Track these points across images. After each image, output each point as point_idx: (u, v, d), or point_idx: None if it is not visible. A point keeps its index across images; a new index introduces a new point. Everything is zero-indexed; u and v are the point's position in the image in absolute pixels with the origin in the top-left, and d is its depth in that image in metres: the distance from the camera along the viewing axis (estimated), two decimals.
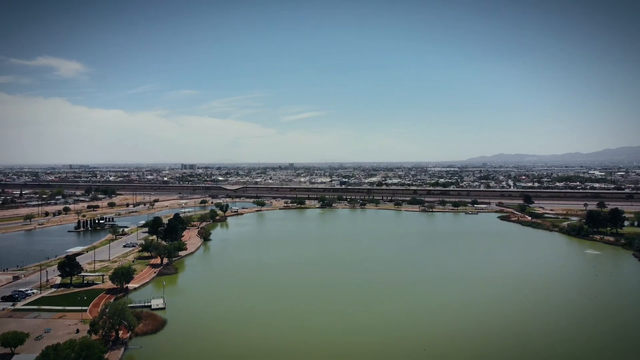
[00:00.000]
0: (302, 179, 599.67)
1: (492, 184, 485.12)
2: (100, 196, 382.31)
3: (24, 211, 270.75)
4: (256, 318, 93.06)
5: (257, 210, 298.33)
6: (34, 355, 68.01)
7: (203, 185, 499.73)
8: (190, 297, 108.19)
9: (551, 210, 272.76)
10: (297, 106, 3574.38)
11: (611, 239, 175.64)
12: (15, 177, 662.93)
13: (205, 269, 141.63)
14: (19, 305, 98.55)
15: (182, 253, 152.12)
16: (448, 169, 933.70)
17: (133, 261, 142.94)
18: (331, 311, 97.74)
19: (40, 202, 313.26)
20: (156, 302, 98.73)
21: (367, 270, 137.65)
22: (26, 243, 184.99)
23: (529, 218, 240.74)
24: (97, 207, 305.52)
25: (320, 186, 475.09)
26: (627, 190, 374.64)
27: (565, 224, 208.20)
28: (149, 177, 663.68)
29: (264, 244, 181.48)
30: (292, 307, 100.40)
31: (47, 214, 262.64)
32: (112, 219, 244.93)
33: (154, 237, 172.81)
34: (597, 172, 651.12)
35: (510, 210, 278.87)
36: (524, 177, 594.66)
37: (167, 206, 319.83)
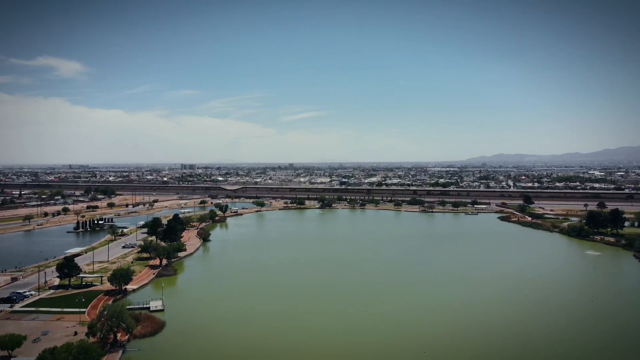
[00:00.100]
0: (302, 179, 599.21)
1: (492, 184, 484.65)
2: (99, 196, 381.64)
3: (23, 211, 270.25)
4: (256, 319, 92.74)
5: (257, 211, 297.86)
6: (32, 359, 67.52)
7: (203, 185, 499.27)
8: (189, 299, 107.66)
9: (551, 210, 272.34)
10: (297, 106, 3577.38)
11: (612, 239, 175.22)
12: (14, 177, 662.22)
13: (205, 270, 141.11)
14: (17, 307, 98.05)
15: (181, 254, 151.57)
16: (448, 169, 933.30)
17: (132, 262, 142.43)
18: (331, 311, 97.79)
19: (39, 203, 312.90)
20: (155, 304, 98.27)
21: (367, 270, 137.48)
22: (25, 244, 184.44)
23: (529, 218, 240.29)
24: (97, 207, 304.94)
25: (320, 186, 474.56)
26: (627, 191, 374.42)
27: (565, 224, 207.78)
28: (149, 177, 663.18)
29: (264, 245, 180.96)
30: (292, 308, 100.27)
31: (46, 214, 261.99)
32: (112, 219, 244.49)
33: (153, 238, 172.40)
34: (596, 172, 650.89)
35: (511, 210, 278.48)
36: (523, 177, 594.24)
37: (166, 206, 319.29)
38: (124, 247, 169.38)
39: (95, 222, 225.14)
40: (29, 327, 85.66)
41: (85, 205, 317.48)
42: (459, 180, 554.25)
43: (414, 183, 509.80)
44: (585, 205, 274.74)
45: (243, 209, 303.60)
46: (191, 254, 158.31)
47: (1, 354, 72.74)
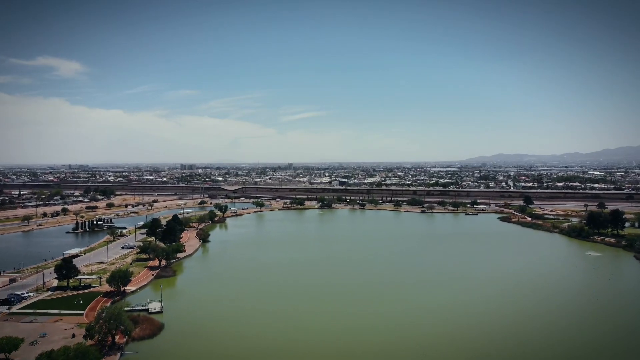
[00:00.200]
0: (302, 179, 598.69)
1: (491, 184, 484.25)
2: (99, 197, 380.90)
3: (22, 212, 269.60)
4: (255, 319, 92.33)
5: (256, 211, 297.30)
6: None
7: (202, 185, 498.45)
8: (188, 300, 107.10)
9: (551, 211, 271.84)
10: (296, 106, 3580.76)
11: (612, 240, 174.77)
12: (14, 177, 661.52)
13: (204, 271, 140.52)
14: (14, 309, 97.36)
15: (180, 255, 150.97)
16: (447, 169, 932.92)
17: (131, 263, 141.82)
18: (331, 311, 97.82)
19: (38, 203, 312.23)
20: (153, 306, 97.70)
21: (367, 270, 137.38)
22: (24, 244, 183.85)
23: (529, 219, 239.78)
24: (96, 207, 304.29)
25: (319, 186, 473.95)
26: (626, 191, 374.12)
27: (565, 225, 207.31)
28: (148, 177, 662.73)
29: (263, 246, 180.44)
30: (292, 308, 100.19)
31: (45, 214, 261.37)
32: (111, 220, 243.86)
33: (153, 238, 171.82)
34: (596, 172, 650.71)
35: (511, 211, 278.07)
36: (523, 177, 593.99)
37: (166, 207, 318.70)
38: (123, 247, 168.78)
39: (95, 222, 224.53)
40: (27, 329, 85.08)
41: (84, 205, 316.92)
42: (458, 180, 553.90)
43: (413, 183, 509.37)
44: (586, 205, 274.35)
45: (243, 209, 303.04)
46: (190, 254, 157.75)
47: None
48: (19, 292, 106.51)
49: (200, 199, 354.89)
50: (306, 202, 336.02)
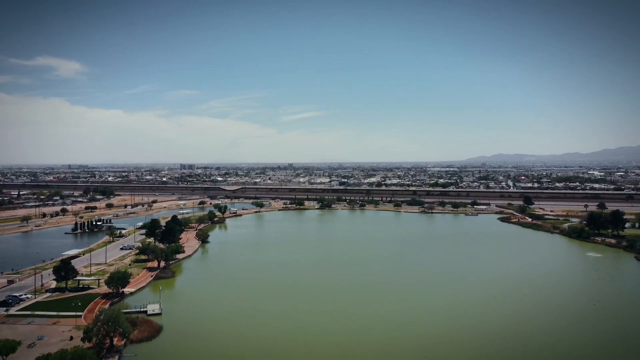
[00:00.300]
0: (302, 180, 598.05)
1: (491, 184, 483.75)
2: (98, 197, 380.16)
3: (21, 212, 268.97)
4: (255, 320, 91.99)
5: (256, 212, 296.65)
6: None
7: (202, 185, 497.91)
8: (187, 302, 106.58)
9: (551, 211, 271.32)
10: (296, 106, 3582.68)
11: (612, 241, 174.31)
12: (13, 177, 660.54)
13: (203, 272, 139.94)
14: (12, 310, 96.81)
15: (179, 256, 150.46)
16: (447, 169, 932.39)
17: (130, 264, 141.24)
18: (331, 311, 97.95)
19: (37, 203, 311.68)
20: (152, 308, 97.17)
21: (367, 271, 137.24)
22: (22, 245, 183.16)
23: (530, 219, 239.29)
24: (95, 208, 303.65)
25: (319, 187, 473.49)
26: (626, 191, 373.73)
27: (566, 225, 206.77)
28: (148, 177, 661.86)
29: (263, 246, 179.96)
30: (293, 308, 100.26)
31: (44, 215, 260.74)
32: (110, 220, 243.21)
33: (152, 239, 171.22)
34: (596, 173, 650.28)
35: (511, 211, 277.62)
36: (523, 177, 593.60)
37: (165, 207, 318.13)
38: (122, 248, 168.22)
39: (94, 223, 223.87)
40: (25, 331, 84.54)
41: (83, 206, 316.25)
42: (458, 180, 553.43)
43: (413, 183, 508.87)
44: (586, 206, 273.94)
45: (243, 209, 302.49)
46: (190, 255, 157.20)
47: None
48: (17, 294, 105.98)
49: (200, 199, 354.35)
50: (306, 203, 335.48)
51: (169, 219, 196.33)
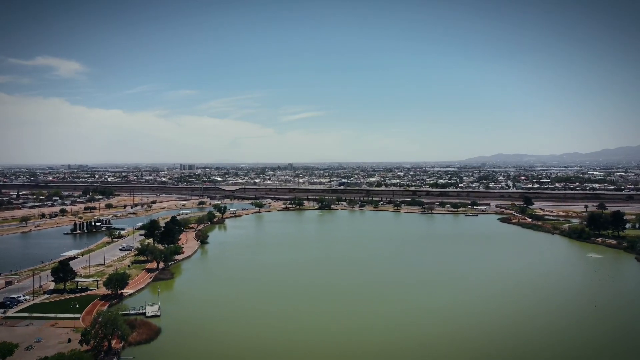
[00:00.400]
0: (301, 180, 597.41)
1: (491, 184, 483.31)
2: (97, 197, 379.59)
3: (20, 213, 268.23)
4: (254, 322, 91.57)
5: (256, 212, 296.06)
6: None
7: (201, 186, 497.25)
8: (186, 304, 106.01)
9: (551, 212, 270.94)
10: (296, 106, 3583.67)
11: (613, 241, 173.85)
12: (13, 177, 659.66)
13: (202, 274, 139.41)
14: (10, 312, 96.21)
15: (178, 257, 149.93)
16: (447, 169, 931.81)
17: (129, 265, 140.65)
18: (331, 311, 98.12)
19: (37, 204, 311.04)
20: (151, 309, 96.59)
21: (367, 271, 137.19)
22: (21, 246, 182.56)
23: (530, 220, 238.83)
24: (94, 208, 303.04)
25: (319, 187, 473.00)
26: (627, 191, 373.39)
27: (566, 226, 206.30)
28: (148, 177, 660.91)
29: (263, 247, 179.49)
30: (293, 309, 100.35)
31: (43, 215, 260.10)
32: (109, 221, 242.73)
33: (151, 240, 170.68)
34: (596, 173, 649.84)
35: (511, 212, 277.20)
36: (523, 177, 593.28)
37: (164, 207, 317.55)
38: (121, 249, 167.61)
39: (93, 223, 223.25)
40: (22, 333, 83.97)
41: (83, 206, 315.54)
42: (458, 180, 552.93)
43: (413, 183, 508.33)
44: (586, 206, 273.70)
45: (242, 210, 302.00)
46: (189, 256, 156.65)
47: None
48: (15, 295, 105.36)
49: (200, 200, 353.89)
50: (305, 203, 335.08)
51: (168, 219, 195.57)
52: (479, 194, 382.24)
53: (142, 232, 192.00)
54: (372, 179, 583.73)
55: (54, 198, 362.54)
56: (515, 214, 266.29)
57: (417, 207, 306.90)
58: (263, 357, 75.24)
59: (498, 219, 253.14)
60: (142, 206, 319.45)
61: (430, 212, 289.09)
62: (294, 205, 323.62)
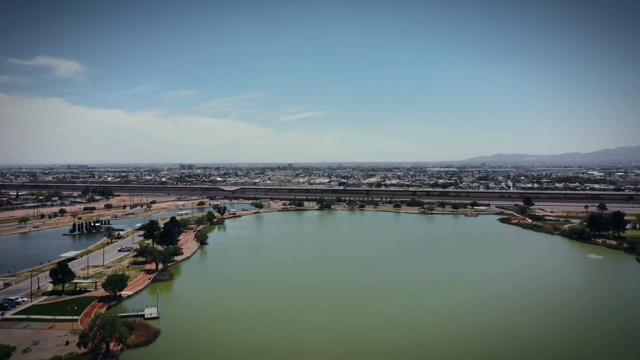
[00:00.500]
0: (301, 180, 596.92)
1: (491, 184, 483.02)
2: (97, 197, 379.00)
3: (19, 213, 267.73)
4: (254, 324, 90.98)
5: (255, 212, 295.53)
6: None
7: (201, 186, 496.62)
8: (185, 305, 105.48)
9: (551, 212, 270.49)
10: (296, 106, 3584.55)
11: (613, 242, 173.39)
12: (12, 177, 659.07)
13: (201, 275, 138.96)
14: (8, 314, 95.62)
15: (178, 258, 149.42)
16: (447, 169, 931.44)
17: (128, 266, 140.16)
18: (331, 312, 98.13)
19: (36, 204, 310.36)
20: (150, 311, 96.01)
21: (367, 271, 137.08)
22: (20, 247, 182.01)
23: (530, 220, 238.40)
24: (94, 209, 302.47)
25: (319, 187, 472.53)
26: (627, 192, 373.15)
27: (566, 226, 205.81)
28: (147, 177, 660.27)
29: (262, 247, 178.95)
30: (293, 309, 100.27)
31: (42, 216, 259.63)
32: (108, 221, 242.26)
33: (150, 241, 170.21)
34: (596, 173, 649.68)
35: (511, 212, 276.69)
36: (523, 177, 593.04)
37: (164, 208, 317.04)
38: (120, 250, 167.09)
39: (92, 224, 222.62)
40: (20, 336, 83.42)
41: (82, 206, 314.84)
42: (458, 180, 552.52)
43: (413, 184, 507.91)
44: (586, 206, 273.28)
45: (242, 210, 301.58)
46: (188, 257, 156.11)
47: None
48: (13, 297, 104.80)
49: (199, 200, 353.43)
50: (305, 203, 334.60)
51: (168, 220, 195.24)
52: (478, 194, 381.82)
53: (142, 232, 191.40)
54: (372, 179, 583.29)
55: (53, 198, 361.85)
56: (515, 214, 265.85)
57: (417, 208, 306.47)
58: (263, 358, 75.00)
59: (498, 220, 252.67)
60: (142, 206, 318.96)
61: (430, 212, 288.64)
62: (293, 206, 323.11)
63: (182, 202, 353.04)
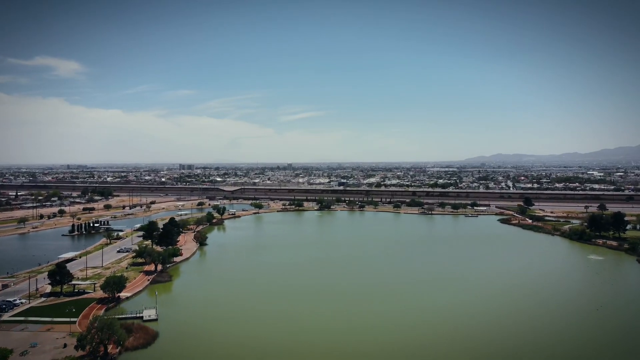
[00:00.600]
0: (301, 180, 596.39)
1: (491, 184, 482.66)
2: (96, 198, 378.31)
3: (19, 213, 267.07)
4: (253, 326, 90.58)
5: (255, 213, 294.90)
6: None
7: (201, 186, 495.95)
8: (184, 307, 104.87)
9: (551, 212, 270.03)
10: (295, 106, 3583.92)
11: (614, 243, 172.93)
12: (12, 177, 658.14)
13: (200, 276, 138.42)
14: (5, 316, 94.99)
15: (177, 259, 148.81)
16: (447, 169, 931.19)
17: (127, 268, 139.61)
18: (331, 312, 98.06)
19: (35, 204, 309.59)
20: (148, 313, 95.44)
21: (366, 271, 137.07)
22: (19, 248, 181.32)
23: (530, 221, 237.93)
24: (93, 209, 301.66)
25: (318, 187, 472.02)
26: (627, 192, 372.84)
27: (566, 227, 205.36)
28: (147, 177, 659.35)
29: (262, 248, 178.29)
30: (292, 309, 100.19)
31: (41, 216, 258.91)
32: (108, 222, 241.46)
33: (149, 242, 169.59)
34: (595, 173, 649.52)
35: (511, 212, 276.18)
36: (522, 177, 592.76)
37: (163, 208, 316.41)
38: (119, 251, 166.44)
39: (91, 225, 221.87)
40: (18, 338, 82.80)
41: (81, 207, 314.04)
42: (458, 180, 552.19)
43: (412, 184, 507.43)
44: (586, 207, 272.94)
45: (242, 210, 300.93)
46: (187, 258, 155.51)
47: None
48: (11, 299, 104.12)
49: (199, 200, 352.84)
50: (305, 204, 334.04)
51: (167, 220, 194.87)
52: (478, 194, 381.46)
53: (141, 233, 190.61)
54: (372, 180, 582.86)
55: (52, 198, 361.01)
56: (515, 214, 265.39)
57: (416, 208, 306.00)
58: (263, 358, 74.85)
59: (498, 220, 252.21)
60: (141, 207, 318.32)
61: (430, 212, 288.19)
62: (293, 206, 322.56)
63: (181, 203, 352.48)
